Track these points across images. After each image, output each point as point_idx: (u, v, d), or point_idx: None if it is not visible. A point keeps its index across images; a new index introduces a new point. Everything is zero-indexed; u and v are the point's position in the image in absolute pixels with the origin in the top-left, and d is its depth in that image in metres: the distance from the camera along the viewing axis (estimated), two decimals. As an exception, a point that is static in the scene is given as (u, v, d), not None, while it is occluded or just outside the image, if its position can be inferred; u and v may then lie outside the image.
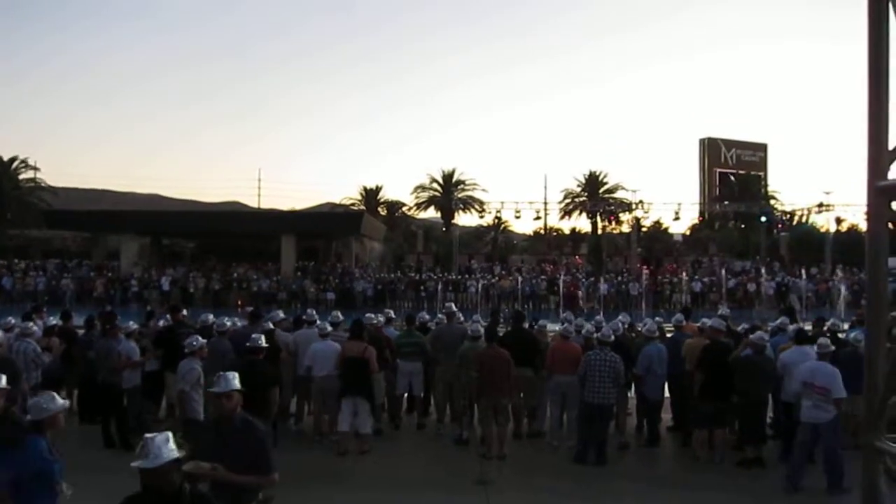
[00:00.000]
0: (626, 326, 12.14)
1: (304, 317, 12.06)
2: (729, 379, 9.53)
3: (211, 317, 11.44)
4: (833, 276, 36.47)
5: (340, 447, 9.89)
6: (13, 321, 11.10)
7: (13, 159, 53.93)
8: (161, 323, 11.98)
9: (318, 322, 11.37)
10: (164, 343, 10.81)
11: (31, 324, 11.03)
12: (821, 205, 45.28)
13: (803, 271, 36.19)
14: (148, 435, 4.09)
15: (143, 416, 11.03)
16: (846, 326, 12.53)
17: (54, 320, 12.38)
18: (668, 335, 11.64)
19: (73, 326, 12.56)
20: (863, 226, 44.83)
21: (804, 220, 49.20)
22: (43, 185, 56.12)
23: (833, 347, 8.97)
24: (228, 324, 11.10)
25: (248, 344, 8.63)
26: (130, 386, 10.52)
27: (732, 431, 10.34)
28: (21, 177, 54.72)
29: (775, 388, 9.95)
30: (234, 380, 5.31)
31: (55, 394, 5.43)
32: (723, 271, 37.10)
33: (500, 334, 11.52)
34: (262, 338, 8.76)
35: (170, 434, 4.08)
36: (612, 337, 10.12)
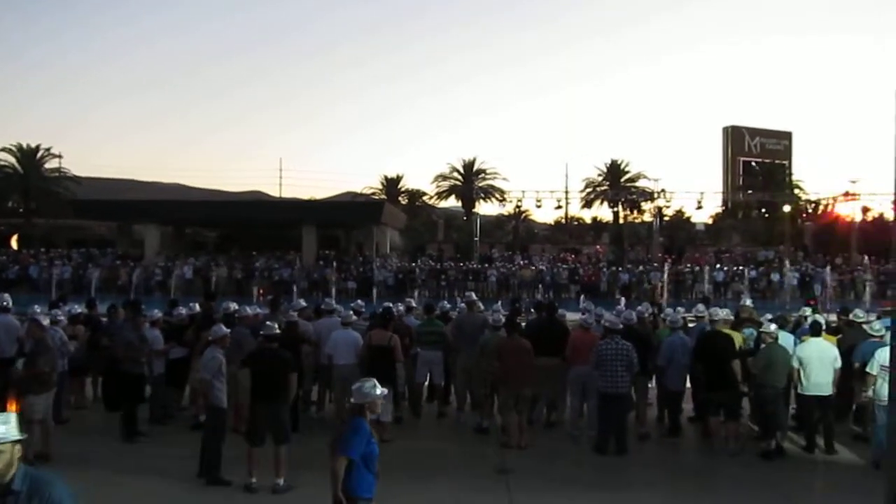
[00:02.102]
0: (647, 315, 12.09)
1: (322, 306, 12.13)
2: (727, 369, 9.48)
3: (233, 305, 11.53)
4: (858, 267, 36.01)
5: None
6: (39, 309, 11.23)
7: (37, 148, 54.47)
8: (183, 311, 12.05)
9: (342, 311, 11.43)
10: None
11: (58, 312, 11.18)
12: (846, 194, 44.62)
13: (828, 262, 35.74)
14: None
15: (168, 404, 11.18)
16: (872, 317, 12.36)
17: (79, 308, 12.54)
18: (691, 325, 11.58)
19: (97, 315, 12.71)
20: (889, 215, 44.24)
21: (829, 209, 48.54)
22: (68, 174, 56.66)
23: None
24: (250, 312, 11.20)
25: (261, 332, 8.70)
26: (155, 374, 10.65)
27: (756, 423, 10.33)
28: (46, 166, 55.27)
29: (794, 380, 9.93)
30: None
31: (376, 381, 5.68)
32: (744, 263, 36.73)
33: (530, 323, 11.56)
34: (276, 325, 8.82)
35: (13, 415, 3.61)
36: (620, 325, 10.08)
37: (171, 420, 10.88)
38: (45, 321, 9.73)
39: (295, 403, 9.48)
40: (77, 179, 56.81)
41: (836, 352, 9.74)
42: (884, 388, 8.69)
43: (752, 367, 9.69)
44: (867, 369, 9.18)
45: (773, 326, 9.97)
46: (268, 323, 8.87)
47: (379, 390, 5.60)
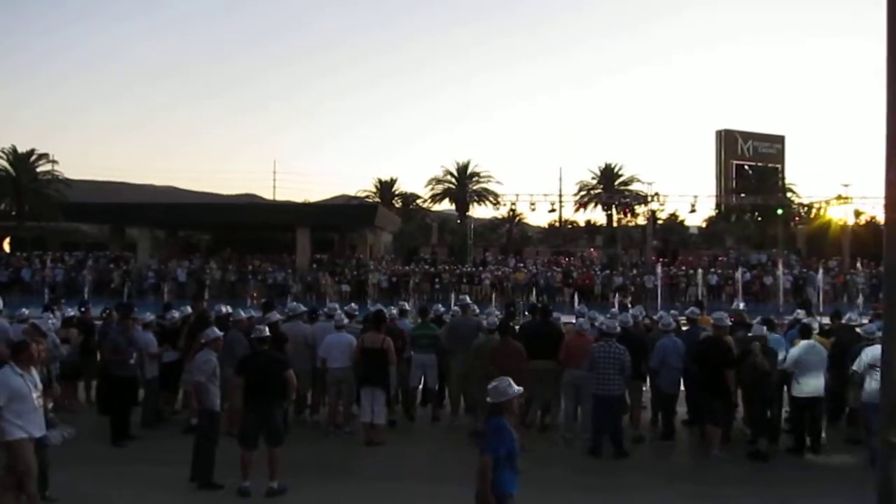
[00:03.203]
0: (641, 319, 12.11)
1: (325, 310, 12.12)
2: (715, 373, 9.50)
3: (224, 308, 11.49)
4: (851, 270, 36.16)
5: (368, 436, 9.95)
6: (27, 312, 11.20)
7: (31, 152, 54.35)
8: (176, 314, 12.02)
9: (336, 314, 11.42)
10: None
11: (51, 315, 11.14)
12: (839, 197, 44.80)
13: (820, 266, 35.86)
14: None
15: (161, 407, 11.13)
16: (865, 320, 12.42)
17: (73, 311, 12.49)
18: (684, 328, 11.59)
19: (91, 318, 12.66)
20: (881, 218, 44.21)
21: (822, 212, 48.69)
22: (60, 177, 56.55)
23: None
24: (244, 315, 11.16)
25: (252, 335, 8.71)
26: (149, 377, 10.61)
27: (749, 425, 10.37)
28: (38, 169, 55.18)
29: (787, 382, 9.96)
30: None
31: (511, 380, 5.69)
32: (739, 268, 36.84)
33: (524, 326, 11.57)
34: (266, 328, 8.83)
35: None
36: (618, 328, 10.10)
37: (164, 424, 10.84)
38: (50, 323, 9.70)
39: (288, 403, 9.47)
40: (69, 182, 56.80)
41: (825, 353, 9.84)
42: (870, 386, 8.76)
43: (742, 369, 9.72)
44: (854, 367, 9.23)
45: (764, 329, 10.01)
46: (257, 326, 8.87)
47: (515, 389, 5.63)
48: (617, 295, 29.92)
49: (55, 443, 7.25)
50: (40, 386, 6.86)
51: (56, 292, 28.33)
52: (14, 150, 53.56)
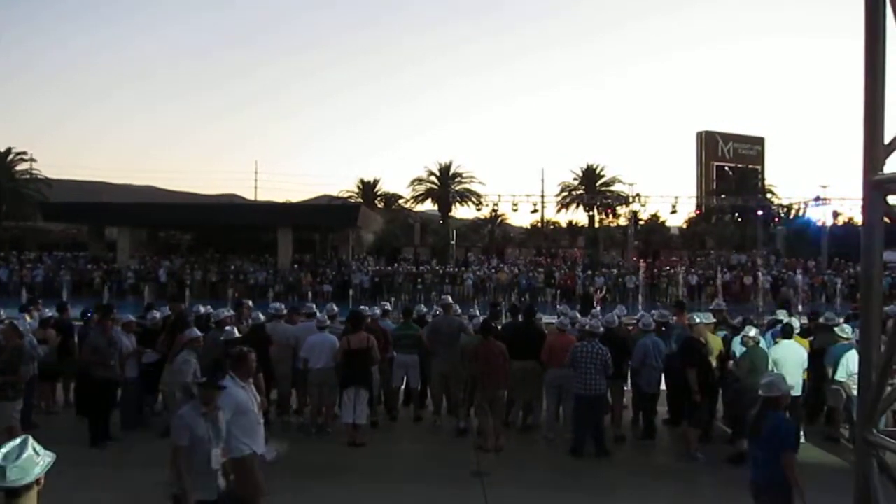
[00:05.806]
0: (621, 319, 12.17)
1: (303, 310, 12.04)
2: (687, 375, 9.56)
3: (201, 308, 11.40)
4: (829, 270, 36.59)
5: (350, 437, 9.91)
6: (4, 314, 11.06)
7: (7, 150, 53.68)
8: (157, 315, 11.91)
9: (319, 315, 11.37)
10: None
11: (26, 315, 11.01)
12: (818, 198, 45.29)
13: (799, 266, 36.28)
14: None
15: (143, 408, 11.03)
16: (841, 320, 12.55)
17: (51, 312, 12.34)
18: (664, 328, 11.65)
19: (69, 318, 12.52)
20: (859, 219, 44.76)
21: (801, 213, 49.20)
22: (38, 176, 55.94)
23: None
24: (225, 315, 11.09)
25: (222, 337, 8.63)
26: (128, 378, 10.49)
27: (728, 425, 10.44)
28: (16, 168, 54.54)
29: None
30: None
31: (783, 376, 5.86)
32: (718, 267, 37.20)
33: (506, 326, 11.59)
34: (235, 329, 8.77)
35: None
36: (601, 328, 10.13)
37: (145, 426, 10.73)
38: (27, 324, 9.58)
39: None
40: (49, 182, 56.20)
41: (805, 353, 9.92)
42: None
43: (736, 370, 9.77)
44: (836, 377, 9.28)
45: (753, 331, 10.05)
46: (227, 328, 8.80)
47: (787, 386, 5.83)
48: (597, 293, 30.12)
49: (270, 458, 6.88)
50: (258, 399, 6.54)
51: (34, 293, 28.04)
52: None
